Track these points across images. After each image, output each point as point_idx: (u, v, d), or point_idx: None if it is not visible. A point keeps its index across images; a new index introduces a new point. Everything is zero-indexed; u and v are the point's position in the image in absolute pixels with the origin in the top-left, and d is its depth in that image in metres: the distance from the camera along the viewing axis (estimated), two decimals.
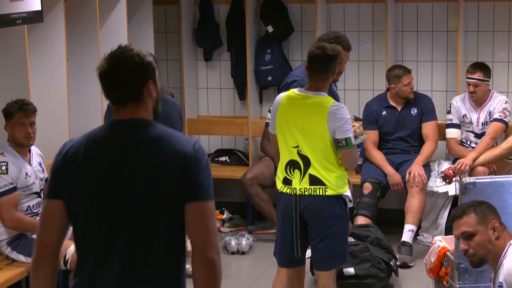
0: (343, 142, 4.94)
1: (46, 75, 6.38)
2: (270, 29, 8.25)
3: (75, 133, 6.63)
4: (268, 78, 8.25)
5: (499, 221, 4.04)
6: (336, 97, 5.35)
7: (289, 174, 5.07)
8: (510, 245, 3.91)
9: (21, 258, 5.63)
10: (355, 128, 5.22)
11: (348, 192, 5.16)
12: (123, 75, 3.05)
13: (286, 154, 5.10)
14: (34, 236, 5.64)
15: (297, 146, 5.03)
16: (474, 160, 6.98)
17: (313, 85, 5.05)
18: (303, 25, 8.37)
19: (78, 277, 3.08)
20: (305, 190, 5.03)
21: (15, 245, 5.63)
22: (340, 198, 5.06)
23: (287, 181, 5.08)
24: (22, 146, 5.67)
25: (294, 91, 5.09)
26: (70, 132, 6.52)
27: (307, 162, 5.02)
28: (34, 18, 5.90)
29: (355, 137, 5.17)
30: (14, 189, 5.53)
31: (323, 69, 5.00)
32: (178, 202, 2.98)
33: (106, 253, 3.01)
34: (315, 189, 5.01)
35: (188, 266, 3.11)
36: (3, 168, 5.51)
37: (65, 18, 6.44)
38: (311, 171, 5.01)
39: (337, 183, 5.03)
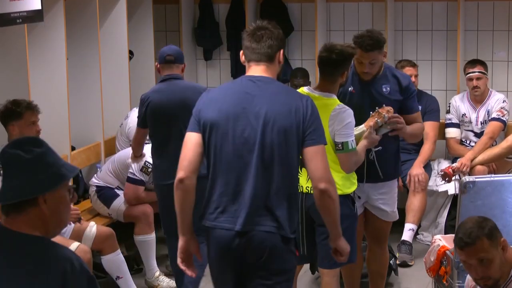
0: (339, 146, 4.88)
1: (46, 74, 6.36)
2: None
3: (75, 133, 6.64)
4: None
5: (502, 237, 3.82)
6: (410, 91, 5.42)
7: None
8: None
9: None
10: (377, 119, 5.17)
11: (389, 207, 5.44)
12: (265, 40, 4.00)
13: None
14: None
15: None
16: (472, 160, 6.96)
17: (321, 85, 5.01)
18: (303, 24, 8.36)
19: (215, 192, 3.93)
20: (312, 188, 5.01)
21: None
22: (347, 197, 5.02)
23: None
24: None
25: (304, 90, 5.03)
26: (70, 132, 6.51)
27: None
28: (34, 17, 5.89)
29: (380, 126, 5.14)
30: None
31: (329, 72, 4.95)
32: (295, 142, 3.89)
33: (238, 183, 3.88)
34: None
35: None
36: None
37: (65, 17, 6.42)
38: None
39: (343, 183, 4.99)
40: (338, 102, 4.95)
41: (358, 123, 5.18)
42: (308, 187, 5.01)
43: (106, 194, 6.55)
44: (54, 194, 2.67)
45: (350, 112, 4.91)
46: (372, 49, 5.23)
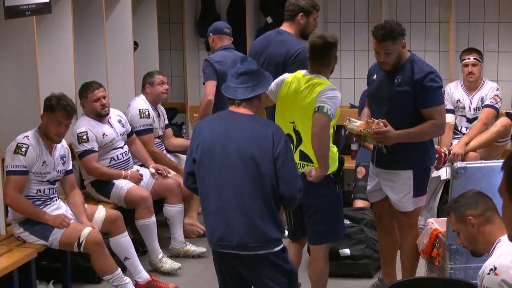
0: (316, 108, 4.87)
1: (54, 64, 6.37)
2: (269, 20, 8.23)
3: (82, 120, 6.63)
4: None
5: (478, 215, 3.80)
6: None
7: None
8: (498, 241, 3.63)
9: (33, 239, 5.61)
10: (361, 129, 5.21)
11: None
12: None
13: (283, 128, 5.11)
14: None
15: (293, 122, 5.07)
16: (466, 144, 6.99)
17: (316, 69, 5.07)
18: None
19: None
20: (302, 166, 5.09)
21: (27, 226, 5.61)
22: (327, 177, 5.01)
23: None
24: (52, 141, 5.69)
25: (300, 72, 5.11)
26: (77, 119, 6.52)
27: (299, 138, 5.06)
28: (42, 9, 5.89)
29: (366, 135, 5.19)
30: (25, 172, 5.52)
31: (323, 56, 5.04)
32: None
33: None
34: (302, 165, 5.04)
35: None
36: (23, 149, 5.51)
37: (72, 10, 6.42)
38: (302, 147, 5.04)
39: None
40: (328, 83, 5.02)
41: (374, 110, 5.25)
42: None
43: (102, 186, 6.55)
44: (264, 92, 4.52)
45: (336, 91, 4.95)
46: (384, 39, 5.20)
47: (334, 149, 5.12)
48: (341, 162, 5.17)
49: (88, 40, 6.91)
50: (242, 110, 4.36)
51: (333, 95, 4.91)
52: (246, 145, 4.25)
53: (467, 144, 7.01)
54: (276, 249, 4.30)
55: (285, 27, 6.03)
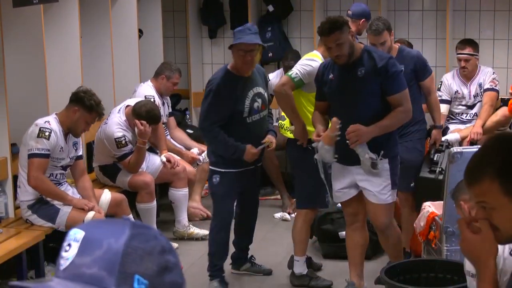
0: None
1: (61, 52, 6.36)
2: (270, 8, 8.21)
3: None
4: (269, 54, 8.22)
5: (468, 199, 3.69)
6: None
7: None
8: None
9: (41, 222, 5.61)
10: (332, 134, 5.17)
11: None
12: None
13: None
14: (55, 204, 5.62)
15: None
16: (482, 126, 6.94)
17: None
18: (301, 5, 8.34)
19: None
20: (286, 128, 5.82)
21: (36, 209, 5.61)
22: (306, 149, 5.40)
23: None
24: (73, 135, 5.71)
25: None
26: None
27: None
28: None
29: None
30: (47, 155, 5.51)
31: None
32: None
33: None
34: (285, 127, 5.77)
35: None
36: (47, 133, 5.49)
37: None
38: None
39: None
40: (316, 55, 5.48)
41: (336, 109, 5.13)
42: (286, 127, 5.83)
43: (109, 171, 6.56)
44: None
45: (311, 61, 5.40)
46: (332, 31, 5.03)
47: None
48: None
49: (94, 28, 6.90)
50: None
51: (306, 62, 5.39)
52: None
53: (483, 126, 6.93)
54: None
55: None
